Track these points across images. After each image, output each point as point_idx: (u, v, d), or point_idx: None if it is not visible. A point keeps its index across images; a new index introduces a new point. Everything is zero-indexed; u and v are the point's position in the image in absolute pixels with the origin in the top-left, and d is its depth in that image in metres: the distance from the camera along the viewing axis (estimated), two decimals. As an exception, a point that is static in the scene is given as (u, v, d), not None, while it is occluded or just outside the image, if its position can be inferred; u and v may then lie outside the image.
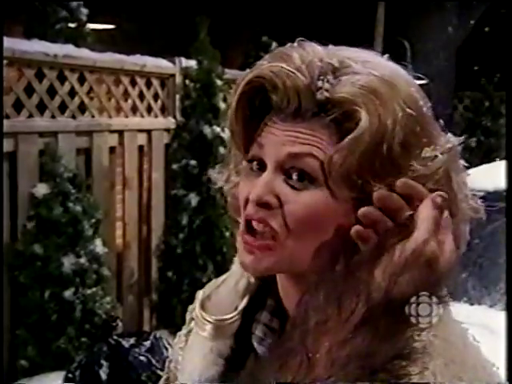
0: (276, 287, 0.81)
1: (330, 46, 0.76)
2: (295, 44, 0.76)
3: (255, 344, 0.81)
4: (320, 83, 0.72)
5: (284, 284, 0.79)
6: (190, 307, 0.89)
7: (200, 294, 0.88)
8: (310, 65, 0.72)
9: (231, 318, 0.83)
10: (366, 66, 0.72)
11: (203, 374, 0.83)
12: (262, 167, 0.75)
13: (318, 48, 0.75)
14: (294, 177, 0.73)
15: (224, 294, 0.86)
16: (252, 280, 0.85)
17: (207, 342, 0.84)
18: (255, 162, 0.76)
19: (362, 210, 0.70)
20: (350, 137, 0.70)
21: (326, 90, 0.72)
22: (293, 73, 0.72)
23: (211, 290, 0.88)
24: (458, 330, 0.74)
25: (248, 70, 0.76)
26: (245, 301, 0.84)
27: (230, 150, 0.82)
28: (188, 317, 0.89)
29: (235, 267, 0.88)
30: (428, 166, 0.72)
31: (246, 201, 0.75)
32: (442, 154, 0.73)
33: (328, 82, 0.72)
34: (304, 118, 0.73)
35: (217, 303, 0.86)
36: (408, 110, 0.71)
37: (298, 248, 0.73)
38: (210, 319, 0.84)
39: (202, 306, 0.86)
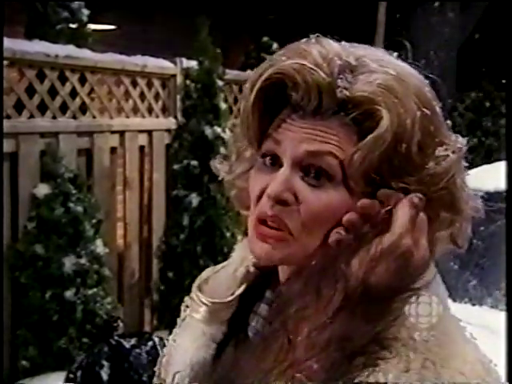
0: (276, 279, 0.82)
1: (344, 43, 0.77)
2: (312, 40, 0.76)
3: (251, 335, 0.82)
4: (339, 81, 0.72)
5: (286, 274, 0.80)
6: (186, 298, 0.89)
7: (198, 278, 0.89)
8: (331, 62, 0.73)
9: (227, 302, 0.84)
10: (382, 65, 0.73)
11: (194, 356, 0.84)
12: (276, 162, 0.75)
13: (335, 45, 0.76)
14: (312, 174, 0.73)
15: (222, 279, 0.87)
16: (251, 269, 0.85)
17: (200, 325, 0.85)
18: (268, 157, 0.76)
19: (347, 218, 0.72)
20: (371, 136, 0.71)
21: (346, 89, 0.72)
22: (314, 70, 0.72)
23: (209, 275, 0.89)
24: (458, 326, 0.76)
25: (264, 65, 0.76)
26: (242, 288, 0.85)
27: (234, 141, 0.82)
28: (183, 307, 0.90)
29: (235, 255, 0.89)
30: (441, 164, 0.73)
31: (259, 197, 0.76)
32: (452, 153, 0.75)
33: (346, 80, 0.72)
34: (323, 116, 0.73)
35: (214, 287, 0.86)
36: (424, 109, 0.73)
37: (312, 242, 0.74)
38: (205, 301, 0.85)
39: (199, 289, 0.86)
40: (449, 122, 0.77)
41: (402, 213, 0.71)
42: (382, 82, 0.72)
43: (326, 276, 0.70)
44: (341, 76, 0.73)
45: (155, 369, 0.94)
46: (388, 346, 0.69)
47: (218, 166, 0.84)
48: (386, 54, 0.77)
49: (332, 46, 0.75)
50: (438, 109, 0.76)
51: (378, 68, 0.73)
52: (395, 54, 0.78)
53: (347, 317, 0.68)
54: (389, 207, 0.72)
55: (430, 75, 0.79)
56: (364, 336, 0.68)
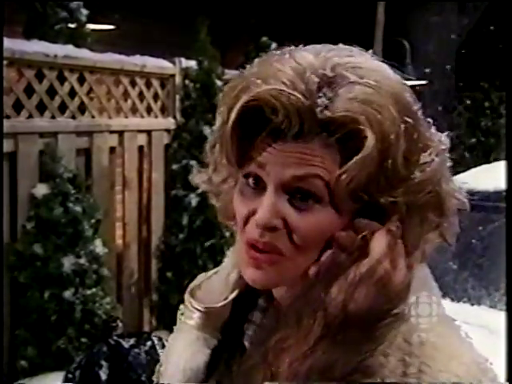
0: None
1: (317, 47, 0.74)
2: (286, 54, 0.73)
3: (247, 344, 0.81)
4: (319, 100, 0.70)
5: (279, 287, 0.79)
6: (181, 305, 0.89)
7: (191, 285, 0.88)
8: (309, 81, 0.70)
9: (219, 307, 0.83)
10: (360, 74, 0.71)
11: (188, 363, 0.83)
12: (259, 184, 0.74)
13: (308, 56, 0.73)
14: (298, 196, 0.72)
15: (214, 285, 0.86)
16: None
17: (194, 331, 0.84)
18: (251, 178, 0.75)
19: (323, 259, 0.73)
20: (358, 157, 0.70)
21: (326, 107, 0.70)
22: (292, 95, 0.70)
23: (202, 280, 0.88)
24: (453, 326, 0.76)
25: (239, 86, 0.73)
26: (234, 293, 0.84)
27: (211, 152, 0.80)
28: (179, 314, 0.90)
29: (227, 260, 0.89)
30: (426, 171, 0.73)
31: (246, 219, 0.75)
32: (437, 156, 0.74)
33: (326, 96, 0.70)
34: (306, 138, 0.71)
35: (206, 292, 0.86)
36: (407, 118, 0.71)
37: (306, 261, 0.74)
38: (198, 307, 0.84)
39: (192, 295, 0.86)
40: (429, 120, 0.76)
41: (379, 240, 0.71)
42: (363, 97, 0.70)
43: (305, 305, 0.70)
44: (320, 94, 0.70)
45: (153, 377, 0.94)
46: (372, 373, 0.69)
47: (196, 178, 0.83)
48: (361, 57, 0.74)
49: (306, 60, 0.72)
50: (419, 112, 0.74)
51: (356, 79, 0.71)
52: (370, 51, 0.76)
53: (329, 345, 0.68)
54: (365, 233, 0.72)
55: (425, 77, 0.78)
56: (347, 364, 0.68)
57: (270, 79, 0.71)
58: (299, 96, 0.70)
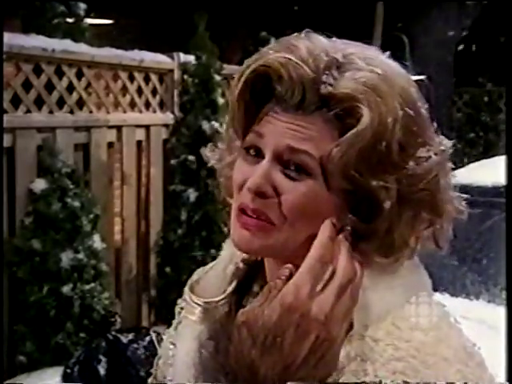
0: (263, 273, 0.83)
1: (335, 39, 0.77)
2: (302, 35, 0.77)
3: None
4: (324, 77, 0.73)
5: (272, 269, 0.81)
6: (179, 300, 0.90)
7: (189, 280, 0.90)
8: (317, 58, 0.74)
9: (219, 300, 0.85)
10: (369, 63, 0.74)
11: (195, 357, 0.85)
12: (259, 154, 0.76)
13: (324, 41, 0.76)
14: (292, 168, 0.74)
15: (212, 279, 0.88)
16: (240, 265, 0.86)
17: (197, 326, 0.86)
18: (252, 150, 0.77)
19: None
20: (350, 132, 0.72)
21: (330, 85, 0.73)
22: (299, 65, 0.73)
23: (200, 275, 0.90)
24: (442, 312, 0.77)
25: (253, 57, 0.77)
26: (233, 285, 0.86)
27: (226, 131, 0.83)
28: (177, 309, 0.91)
29: (224, 253, 0.90)
30: (422, 165, 0.74)
31: (241, 186, 0.77)
32: (435, 154, 0.75)
33: (332, 76, 0.73)
34: (306, 111, 0.74)
35: (205, 287, 0.87)
36: (407, 109, 0.73)
37: (293, 234, 0.75)
38: (199, 302, 0.86)
39: (192, 290, 0.87)
40: (435, 124, 0.78)
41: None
42: (366, 80, 0.72)
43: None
44: (326, 72, 0.73)
45: (152, 370, 0.95)
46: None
47: (208, 154, 0.86)
48: (377, 53, 0.77)
49: (321, 42, 0.76)
50: (423, 110, 0.76)
51: (365, 66, 0.74)
52: (387, 53, 0.78)
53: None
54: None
55: (424, 72, 0.80)
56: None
57: (282, 51, 0.74)
58: (305, 67, 0.73)
